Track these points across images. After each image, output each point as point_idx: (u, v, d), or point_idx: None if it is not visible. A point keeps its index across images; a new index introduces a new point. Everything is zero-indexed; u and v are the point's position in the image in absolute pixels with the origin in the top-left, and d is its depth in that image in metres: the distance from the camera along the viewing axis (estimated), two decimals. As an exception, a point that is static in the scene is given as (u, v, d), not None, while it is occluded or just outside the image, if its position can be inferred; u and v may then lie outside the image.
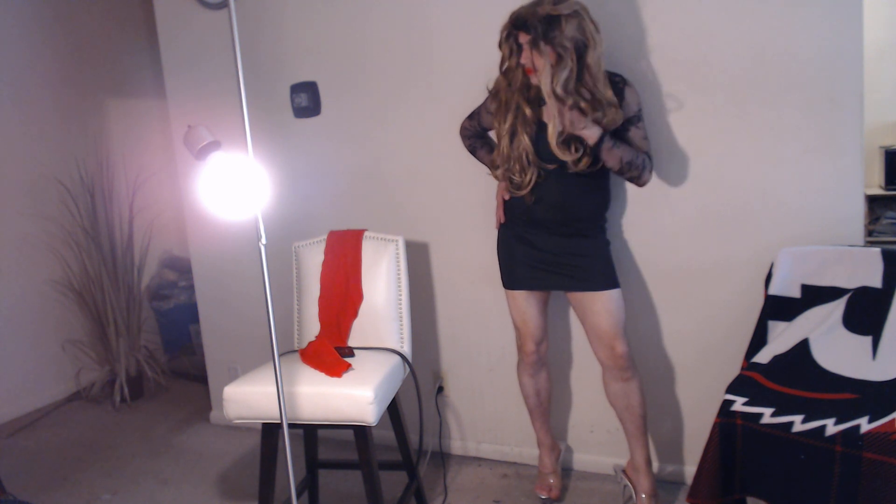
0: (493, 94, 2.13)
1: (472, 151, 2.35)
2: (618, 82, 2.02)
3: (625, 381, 2.13)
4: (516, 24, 1.94)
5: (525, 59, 1.96)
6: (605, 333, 2.11)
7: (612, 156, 1.99)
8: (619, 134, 2.04)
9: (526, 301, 2.22)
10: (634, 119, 2.05)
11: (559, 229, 2.11)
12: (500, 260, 2.27)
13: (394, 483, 2.39)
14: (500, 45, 2.04)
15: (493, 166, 2.19)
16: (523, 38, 1.94)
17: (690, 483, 1.83)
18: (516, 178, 2.07)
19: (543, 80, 1.93)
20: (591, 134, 1.95)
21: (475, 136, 2.32)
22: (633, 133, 2.05)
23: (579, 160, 1.99)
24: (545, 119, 2.04)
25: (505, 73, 2.06)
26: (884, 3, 4.00)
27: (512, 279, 2.22)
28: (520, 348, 2.31)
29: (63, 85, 3.78)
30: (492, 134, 2.28)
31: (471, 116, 2.29)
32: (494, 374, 2.65)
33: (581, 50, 1.92)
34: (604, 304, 2.10)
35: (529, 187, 2.06)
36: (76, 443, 3.17)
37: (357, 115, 2.69)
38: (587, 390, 2.51)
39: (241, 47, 1.59)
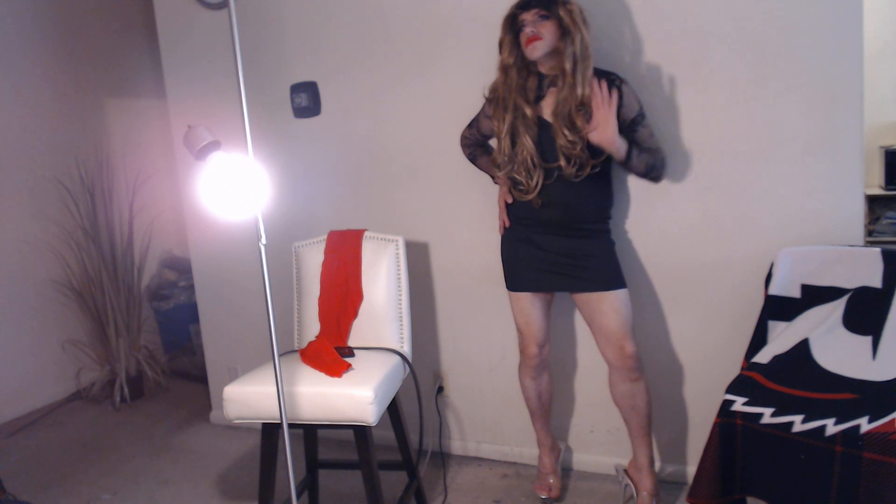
0: (492, 90, 2.13)
1: (473, 160, 2.35)
2: (614, 80, 2.02)
3: (633, 381, 2.13)
4: (520, 4, 1.98)
5: (528, 29, 1.98)
6: (614, 334, 2.10)
7: (640, 162, 2.03)
8: (626, 135, 2.05)
9: (530, 303, 2.22)
10: (639, 118, 2.05)
11: (565, 230, 2.11)
12: (503, 262, 2.26)
13: (394, 483, 2.39)
14: (500, 45, 2.05)
15: (493, 165, 2.19)
16: (529, 14, 1.97)
17: (690, 483, 1.83)
18: (523, 183, 2.07)
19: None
20: (619, 148, 1.98)
21: (475, 144, 2.33)
22: (641, 133, 2.06)
23: (580, 168, 2.01)
24: (546, 117, 2.05)
25: (504, 70, 2.06)
26: (884, 2, 4.00)
27: (516, 281, 2.22)
28: (522, 351, 2.30)
29: (63, 85, 3.78)
30: (492, 142, 2.28)
31: (470, 125, 2.29)
32: (495, 375, 2.65)
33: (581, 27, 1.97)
34: (612, 304, 2.09)
35: (537, 191, 2.06)
36: (76, 443, 3.17)
37: (357, 115, 2.69)
38: (588, 390, 2.51)
39: (241, 47, 1.59)
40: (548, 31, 1.97)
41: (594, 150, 2.01)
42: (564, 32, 1.96)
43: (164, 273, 4.20)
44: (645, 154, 2.04)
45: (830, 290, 1.92)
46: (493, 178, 2.31)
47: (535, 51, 1.99)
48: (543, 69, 2.06)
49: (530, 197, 2.08)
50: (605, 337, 2.13)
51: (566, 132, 1.99)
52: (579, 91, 1.96)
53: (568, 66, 1.96)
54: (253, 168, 1.63)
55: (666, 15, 2.17)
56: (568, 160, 2.01)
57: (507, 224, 2.22)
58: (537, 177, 2.04)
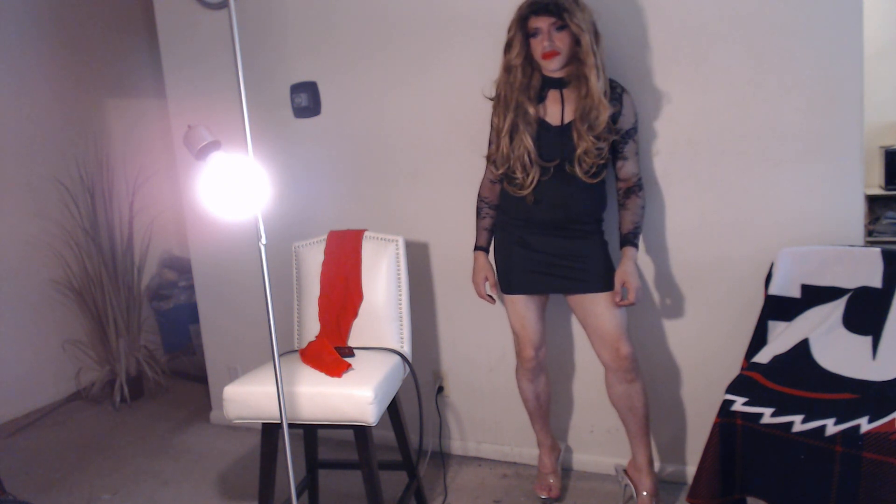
0: (498, 90, 2.12)
1: (478, 214, 2.31)
2: (615, 88, 2.04)
3: (629, 382, 2.12)
4: (534, 8, 1.95)
5: (545, 42, 1.96)
6: (609, 335, 2.10)
7: (637, 230, 2.12)
8: (615, 147, 2.07)
9: (525, 306, 2.22)
10: (632, 131, 2.08)
11: (558, 231, 2.11)
12: (497, 265, 2.26)
13: (394, 483, 2.39)
14: (507, 46, 2.04)
15: (488, 162, 2.18)
16: (543, 22, 1.95)
17: (690, 483, 1.83)
18: (518, 179, 2.07)
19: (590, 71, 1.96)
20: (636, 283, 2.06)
21: (490, 207, 2.28)
22: (630, 147, 2.09)
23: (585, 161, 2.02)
24: (546, 118, 2.05)
25: (508, 69, 2.06)
26: (884, 2, 4.00)
27: (510, 284, 2.21)
28: (518, 354, 2.29)
29: (63, 85, 3.77)
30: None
31: (489, 149, 2.24)
32: (494, 375, 2.65)
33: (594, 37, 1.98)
34: (606, 306, 2.09)
35: (532, 187, 2.06)
36: (76, 443, 3.17)
37: (357, 115, 2.69)
38: (587, 391, 2.51)
39: (241, 47, 1.59)
40: (563, 44, 1.97)
41: (613, 152, 2.07)
42: (578, 40, 1.96)
43: (164, 273, 4.20)
44: (636, 219, 2.10)
45: (830, 290, 1.92)
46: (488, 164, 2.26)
47: (552, 64, 2.00)
48: (552, 73, 2.05)
49: (525, 193, 2.08)
50: (600, 338, 2.13)
51: (592, 137, 1.99)
52: (597, 96, 1.96)
53: (592, 76, 1.96)
54: (253, 168, 1.63)
55: (666, 15, 2.17)
56: (582, 163, 2.01)
57: (490, 301, 2.31)
58: (533, 173, 2.05)
